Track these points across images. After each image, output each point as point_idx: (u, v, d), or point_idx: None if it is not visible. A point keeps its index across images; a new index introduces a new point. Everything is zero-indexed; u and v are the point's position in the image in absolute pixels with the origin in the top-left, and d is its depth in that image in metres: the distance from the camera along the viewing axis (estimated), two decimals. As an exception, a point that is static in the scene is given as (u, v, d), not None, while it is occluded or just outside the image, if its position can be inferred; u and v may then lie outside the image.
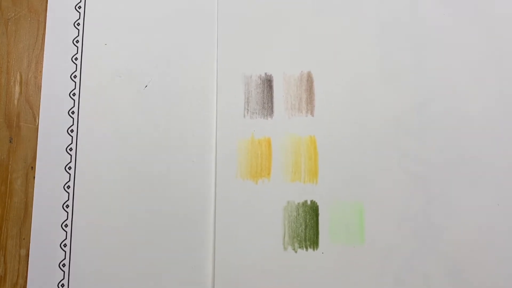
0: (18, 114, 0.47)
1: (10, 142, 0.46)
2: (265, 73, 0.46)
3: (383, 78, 0.46)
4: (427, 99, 0.45)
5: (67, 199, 0.45)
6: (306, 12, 0.47)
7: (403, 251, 0.43)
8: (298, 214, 0.44)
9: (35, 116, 0.47)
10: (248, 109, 0.46)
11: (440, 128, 0.45)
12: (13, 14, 0.48)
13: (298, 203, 0.44)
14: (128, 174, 0.45)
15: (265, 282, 0.43)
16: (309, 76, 0.46)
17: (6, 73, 0.47)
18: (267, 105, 0.46)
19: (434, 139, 0.44)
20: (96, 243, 0.44)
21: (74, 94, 0.47)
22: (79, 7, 0.48)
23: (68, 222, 0.45)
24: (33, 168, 0.46)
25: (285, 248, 0.44)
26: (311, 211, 0.44)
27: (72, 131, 0.46)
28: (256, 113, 0.46)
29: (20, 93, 0.47)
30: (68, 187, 0.45)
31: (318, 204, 0.44)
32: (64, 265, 0.44)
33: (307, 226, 0.44)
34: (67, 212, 0.45)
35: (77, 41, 0.47)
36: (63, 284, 0.44)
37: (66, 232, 0.45)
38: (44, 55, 0.47)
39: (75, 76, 0.47)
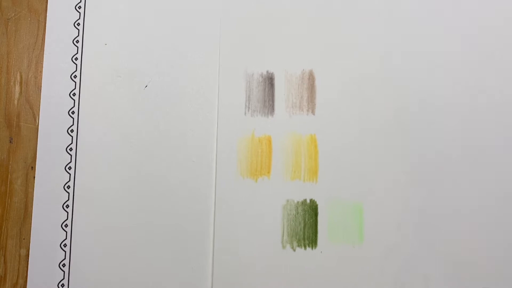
0: (18, 114, 0.47)
1: (10, 142, 0.46)
2: (267, 71, 0.46)
3: (384, 77, 0.46)
4: (428, 99, 0.45)
5: (67, 199, 0.45)
6: (308, 10, 0.47)
7: (402, 250, 0.43)
8: (297, 213, 0.44)
9: (35, 116, 0.47)
10: (249, 107, 0.46)
11: (440, 128, 0.45)
12: (13, 14, 0.48)
13: (298, 202, 0.44)
14: (128, 174, 0.45)
15: (263, 280, 0.43)
16: (311, 75, 0.46)
17: (6, 73, 0.47)
18: (268, 103, 0.46)
19: (434, 139, 0.45)
20: (96, 243, 0.44)
21: (74, 94, 0.47)
22: (79, 7, 0.48)
23: (68, 222, 0.45)
24: (33, 168, 0.46)
25: (283, 247, 0.44)
26: (310, 210, 0.44)
27: (72, 131, 0.46)
28: (257, 111, 0.46)
29: (20, 93, 0.47)
30: (68, 187, 0.45)
31: (317, 203, 0.44)
32: (64, 265, 0.44)
33: (306, 225, 0.44)
34: (67, 212, 0.45)
35: (77, 41, 0.47)
36: (63, 284, 0.44)
37: (66, 232, 0.45)
38: (44, 55, 0.47)
39: (75, 76, 0.47)
